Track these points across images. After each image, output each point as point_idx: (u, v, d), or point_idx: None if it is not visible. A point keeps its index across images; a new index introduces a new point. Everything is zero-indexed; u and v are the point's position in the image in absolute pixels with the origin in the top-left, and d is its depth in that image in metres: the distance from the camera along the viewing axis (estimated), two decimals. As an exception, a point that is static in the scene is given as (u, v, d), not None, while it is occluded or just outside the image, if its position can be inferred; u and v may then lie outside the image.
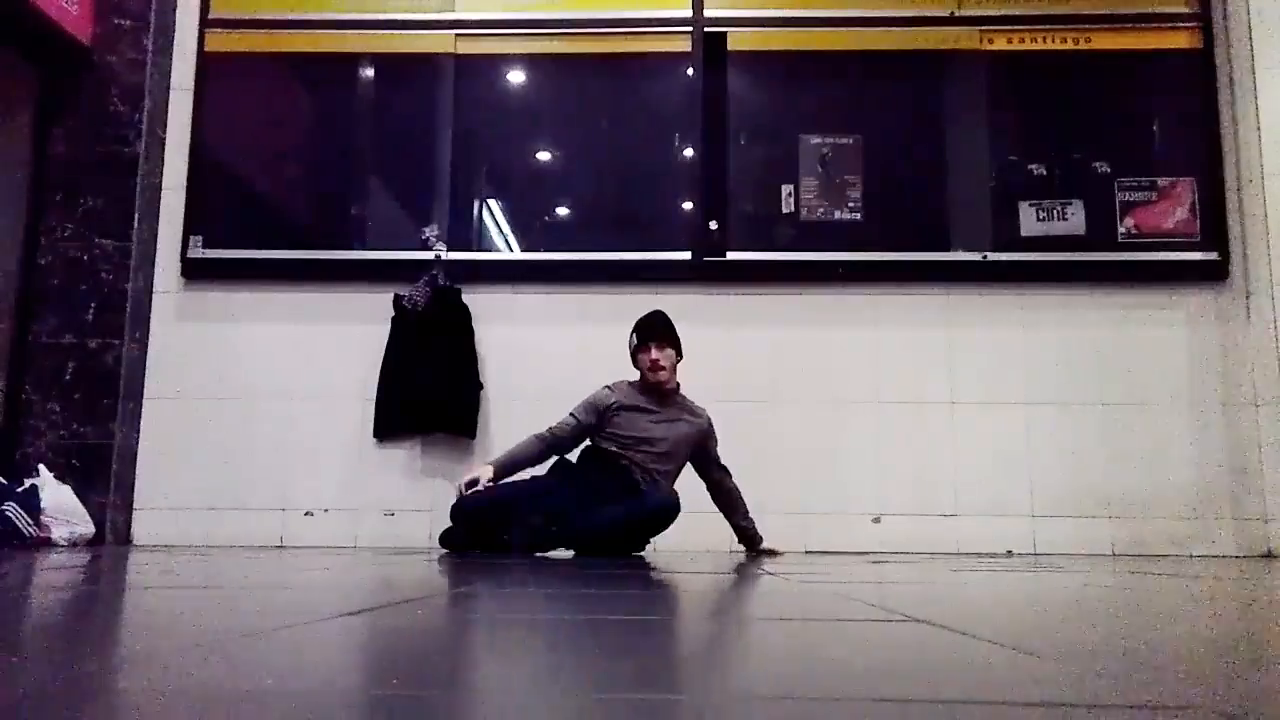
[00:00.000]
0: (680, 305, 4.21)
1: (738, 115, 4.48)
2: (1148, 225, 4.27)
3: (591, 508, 3.29)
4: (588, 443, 3.51)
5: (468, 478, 3.39)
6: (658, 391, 3.47)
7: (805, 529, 4.04)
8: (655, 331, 3.48)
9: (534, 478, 3.48)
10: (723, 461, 3.59)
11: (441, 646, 1.04)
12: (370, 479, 4.15)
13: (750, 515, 3.60)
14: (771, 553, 3.60)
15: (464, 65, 4.51)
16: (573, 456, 3.52)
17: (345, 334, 4.25)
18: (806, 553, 3.92)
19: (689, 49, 4.45)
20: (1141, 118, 4.47)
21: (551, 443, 3.47)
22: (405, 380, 4.15)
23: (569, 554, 3.30)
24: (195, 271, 4.32)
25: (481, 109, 4.60)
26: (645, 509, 3.32)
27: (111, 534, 3.98)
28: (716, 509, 3.62)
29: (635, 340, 3.51)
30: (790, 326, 4.22)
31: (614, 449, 3.41)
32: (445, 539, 3.44)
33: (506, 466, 3.43)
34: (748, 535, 3.60)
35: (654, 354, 3.44)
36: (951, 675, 0.83)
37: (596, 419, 3.45)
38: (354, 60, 4.62)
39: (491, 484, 3.36)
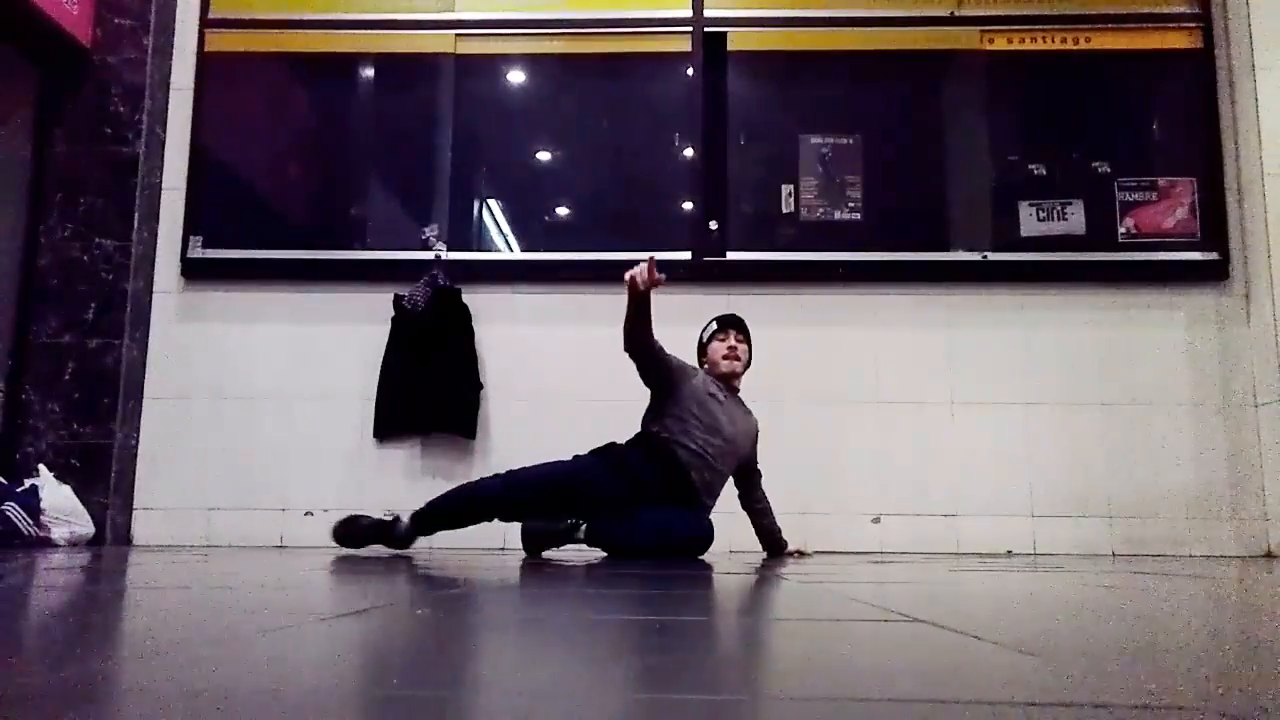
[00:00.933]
0: (680, 305, 4.21)
1: (738, 115, 4.48)
2: (1148, 225, 4.27)
3: (637, 510, 3.10)
4: (648, 428, 3.30)
5: (647, 259, 3.05)
6: (727, 384, 3.40)
7: (805, 529, 4.03)
8: (736, 323, 3.47)
9: (577, 458, 3.26)
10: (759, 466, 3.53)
11: (442, 646, 1.04)
12: (370, 479, 4.15)
13: (776, 519, 3.53)
14: (799, 554, 3.51)
15: (464, 65, 4.51)
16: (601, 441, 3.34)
17: (345, 334, 4.25)
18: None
19: (689, 49, 4.45)
20: (1141, 118, 4.47)
21: (653, 343, 3.21)
22: (405, 380, 4.15)
23: (564, 552, 3.28)
24: (195, 271, 4.32)
25: (481, 109, 4.60)
26: (689, 537, 3.15)
27: (111, 534, 3.98)
28: (741, 510, 3.55)
29: (714, 327, 3.46)
30: (790, 326, 4.22)
31: (683, 442, 3.20)
32: (344, 532, 3.24)
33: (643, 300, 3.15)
34: (775, 540, 3.52)
35: (732, 340, 3.41)
36: (951, 675, 0.83)
37: (671, 374, 3.28)
38: (354, 60, 4.62)
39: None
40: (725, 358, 3.39)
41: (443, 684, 0.79)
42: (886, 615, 1.32)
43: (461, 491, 3.27)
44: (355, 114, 4.71)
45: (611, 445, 3.30)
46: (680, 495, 3.20)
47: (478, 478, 3.34)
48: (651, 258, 3.08)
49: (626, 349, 3.22)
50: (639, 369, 3.28)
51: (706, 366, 3.45)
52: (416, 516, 3.25)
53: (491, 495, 3.19)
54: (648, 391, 3.39)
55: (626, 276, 3.05)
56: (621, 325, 3.21)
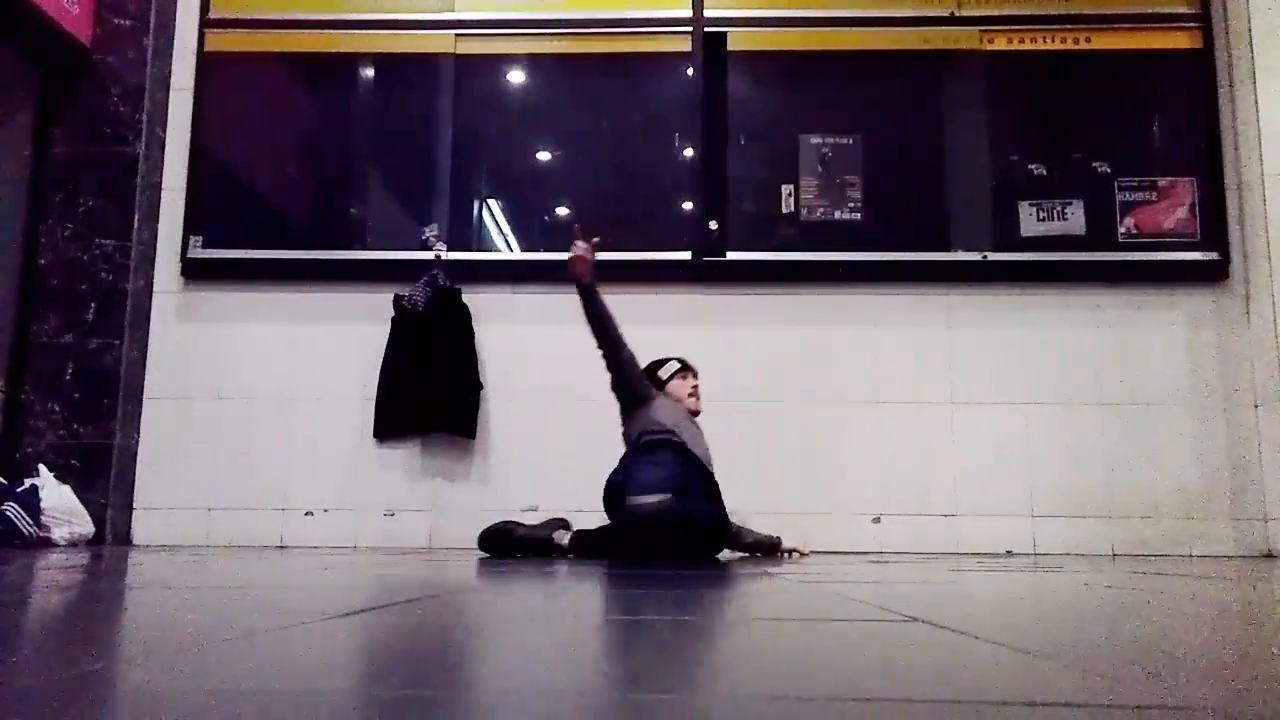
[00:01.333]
0: (680, 305, 4.22)
1: (738, 115, 4.48)
2: (1148, 225, 4.27)
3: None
4: (652, 437, 3.22)
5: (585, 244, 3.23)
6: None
7: (805, 529, 4.03)
8: (693, 367, 3.61)
9: (649, 459, 3.12)
10: None
11: (442, 646, 1.04)
12: (370, 479, 4.15)
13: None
14: (797, 553, 3.50)
15: (464, 65, 4.51)
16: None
17: (345, 334, 4.25)
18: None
19: (689, 49, 4.45)
20: (1141, 118, 4.47)
21: (621, 344, 3.29)
22: (405, 380, 4.15)
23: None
24: (195, 271, 4.32)
25: (482, 109, 4.60)
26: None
27: (111, 534, 3.98)
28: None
29: (676, 366, 3.55)
30: (790, 326, 4.22)
31: (689, 446, 3.21)
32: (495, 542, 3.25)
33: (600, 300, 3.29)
34: (757, 541, 3.51)
35: (694, 381, 3.54)
36: (951, 675, 0.83)
37: (645, 385, 3.35)
38: (354, 60, 4.62)
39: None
40: (691, 396, 3.51)
41: (442, 684, 0.79)
42: (886, 615, 1.32)
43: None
44: (355, 114, 4.70)
45: (653, 443, 3.23)
46: (708, 497, 3.20)
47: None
48: (577, 226, 3.26)
49: (600, 349, 3.29)
50: (613, 375, 3.32)
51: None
52: (578, 540, 3.22)
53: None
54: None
55: (571, 260, 3.25)
56: (622, 324, 3.23)
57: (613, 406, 3.46)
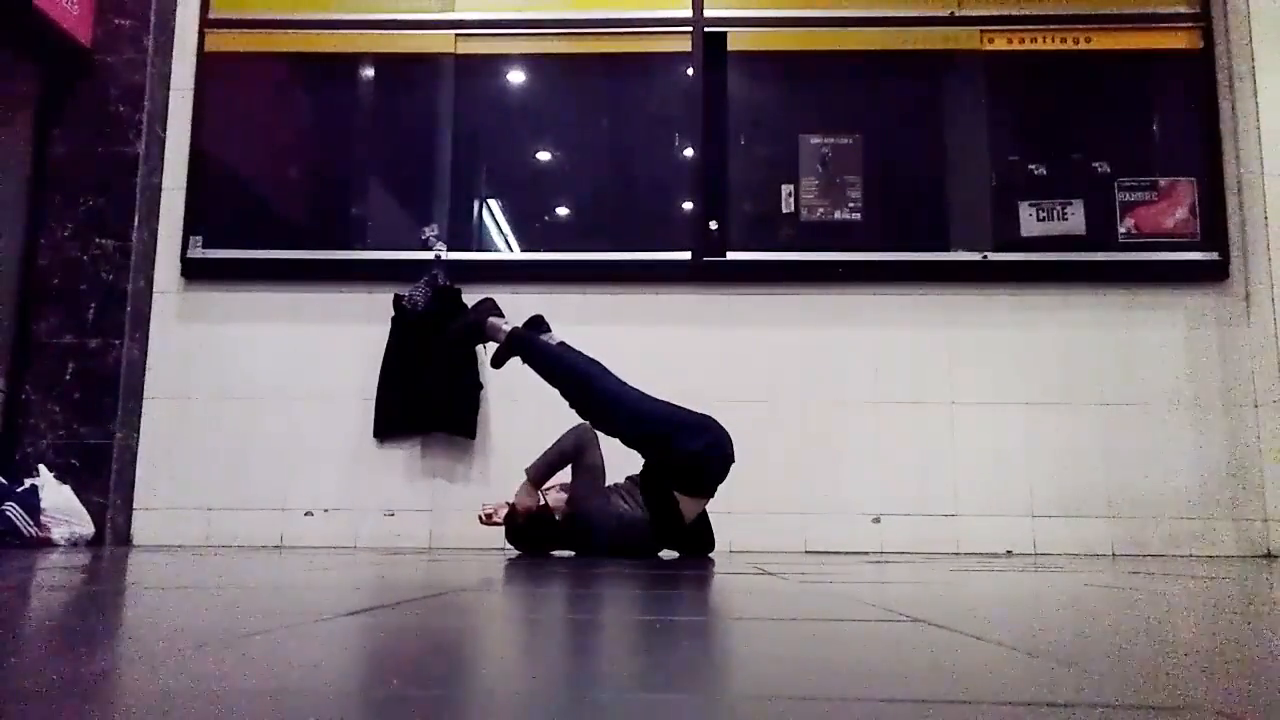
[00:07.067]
0: (680, 305, 4.22)
1: (738, 115, 4.48)
2: (1148, 225, 4.27)
3: None
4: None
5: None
6: None
7: (805, 529, 4.04)
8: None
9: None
10: None
11: (441, 646, 1.04)
12: (370, 479, 4.15)
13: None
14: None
15: (464, 65, 4.51)
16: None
17: (345, 334, 4.25)
18: (806, 553, 3.92)
19: (689, 49, 4.45)
20: (1141, 118, 4.47)
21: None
22: (405, 380, 4.15)
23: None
24: (195, 271, 4.32)
25: (482, 109, 4.60)
26: None
27: (111, 534, 3.98)
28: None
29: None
30: (790, 326, 4.22)
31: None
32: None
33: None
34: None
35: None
36: (952, 675, 0.83)
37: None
38: (354, 60, 4.62)
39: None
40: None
41: (441, 684, 0.79)
42: (886, 615, 1.32)
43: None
44: (355, 114, 4.70)
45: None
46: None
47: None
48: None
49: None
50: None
51: None
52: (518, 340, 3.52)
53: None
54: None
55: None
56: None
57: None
